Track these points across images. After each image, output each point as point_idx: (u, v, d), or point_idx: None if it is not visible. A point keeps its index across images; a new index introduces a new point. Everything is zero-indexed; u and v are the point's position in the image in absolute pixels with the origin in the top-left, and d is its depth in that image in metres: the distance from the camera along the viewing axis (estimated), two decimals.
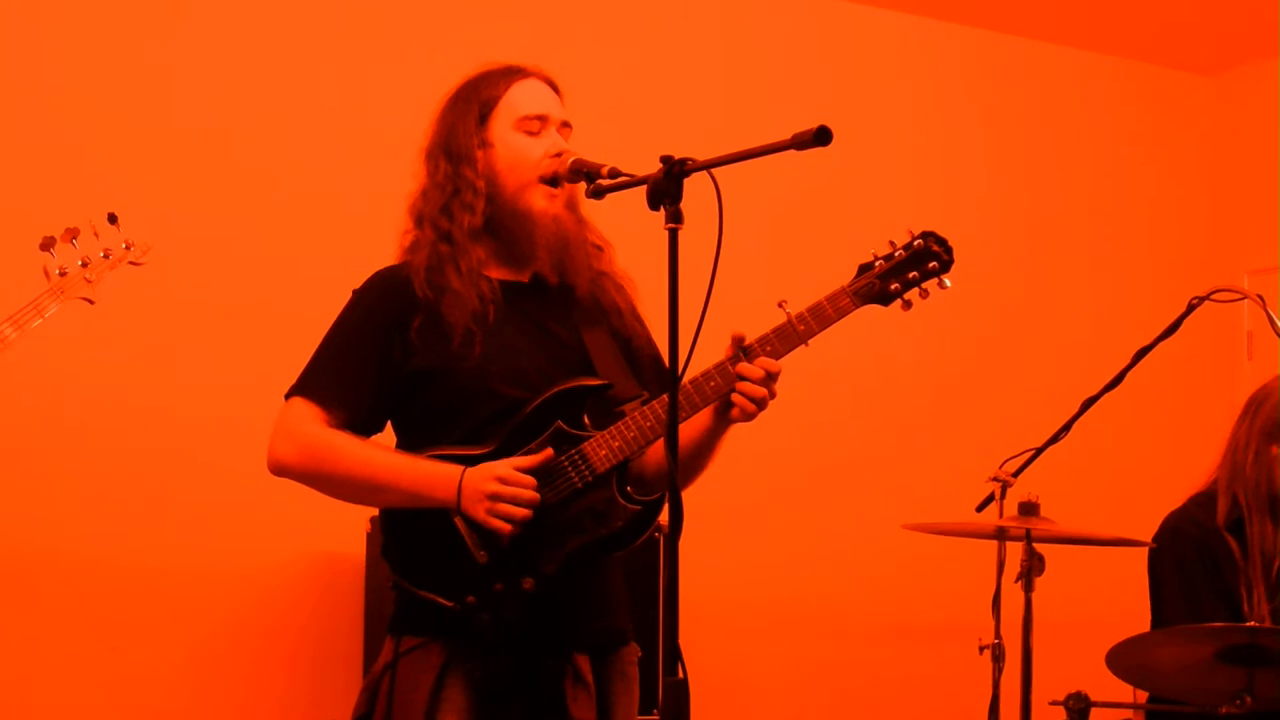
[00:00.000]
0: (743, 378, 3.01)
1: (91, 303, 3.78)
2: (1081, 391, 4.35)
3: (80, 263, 3.76)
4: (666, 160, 2.73)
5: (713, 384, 3.02)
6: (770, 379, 3.01)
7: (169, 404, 4.97)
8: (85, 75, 4.95)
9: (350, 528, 4.78)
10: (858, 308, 3.05)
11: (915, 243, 3.05)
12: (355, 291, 3.27)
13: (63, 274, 3.75)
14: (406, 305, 3.16)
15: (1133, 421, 6.09)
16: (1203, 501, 4.42)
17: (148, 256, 3.89)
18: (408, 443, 3.22)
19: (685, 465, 3.15)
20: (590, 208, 3.22)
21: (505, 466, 3.05)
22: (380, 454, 3.15)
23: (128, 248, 3.85)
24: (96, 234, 3.77)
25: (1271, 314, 4.05)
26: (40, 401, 4.80)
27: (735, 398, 3.01)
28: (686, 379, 3.00)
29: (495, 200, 3.21)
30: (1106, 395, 4.34)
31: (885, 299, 3.04)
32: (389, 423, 3.28)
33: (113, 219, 3.81)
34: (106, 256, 3.82)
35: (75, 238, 3.75)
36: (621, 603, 3.25)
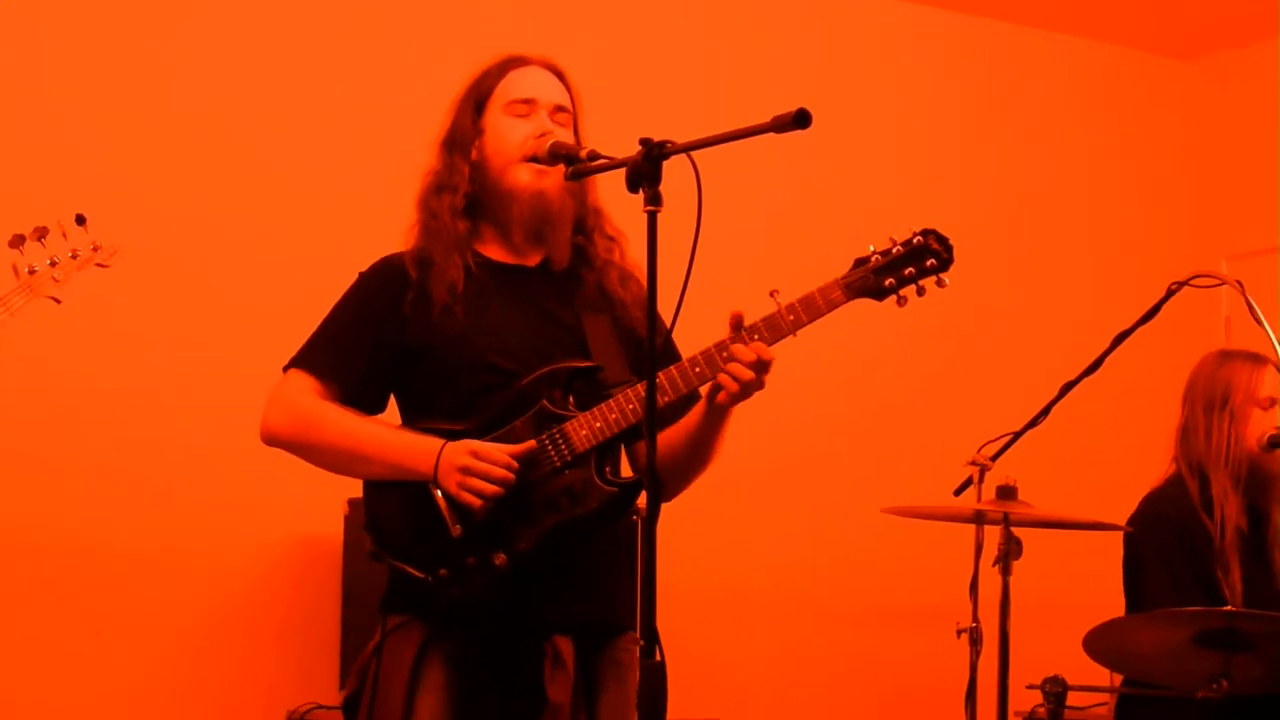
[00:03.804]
0: (733, 358, 2.99)
1: (58, 302, 3.81)
2: (1060, 376, 4.36)
3: (49, 262, 3.78)
4: (646, 143, 2.73)
5: (697, 370, 3.02)
6: (761, 366, 2.99)
7: (145, 388, 4.95)
8: (66, 66, 4.92)
9: (328, 510, 4.77)
10: (849, 301, 3.01)
11: (915, 239, 3.01)
12: (360, 273, 3.32)
13: (32, 272, 3.77)
14: (401, 286, 3.21)
15: (1111, 406, 6.11)
16: (1178, 483, 4.44)
17: (114, 259, 3.92)
18: (405, 418, 3.27)
19: (689, 457, 3.19)
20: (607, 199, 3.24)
21: (481, 442, 3.06)
22: (366, 425, 3.18)
23: (95, 249, 3.87)
24: (65, 234, 3.80)
25: (1250, 299, 4.07)
26: (16, 388, 4.78)
27: (720, 378, 3.00)
28: (697, 350, 3.01)
29: (481, 181, 3.24)
30: (1085, 380, 4.36)
31: (879, 294, 3.01)
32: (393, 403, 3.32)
33: (80, 220, 3.83)
34: (74, 257, 3.86)
35: (44, 237, 3.77)
36: (617, 590, 3.25)
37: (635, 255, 3.32)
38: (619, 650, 3.21)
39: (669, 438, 3.16)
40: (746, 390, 3.00)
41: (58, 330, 4.68)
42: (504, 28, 5.33)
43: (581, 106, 3.34)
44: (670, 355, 3.22)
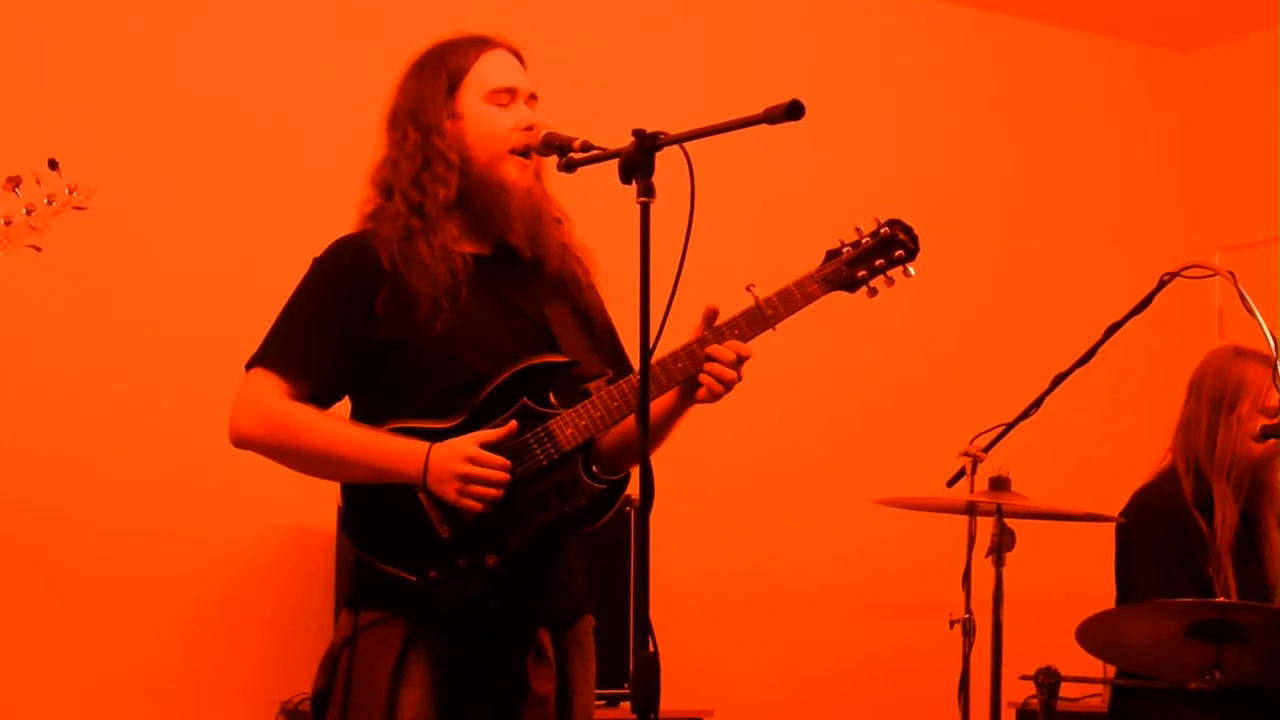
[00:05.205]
0: (711, 358, 3.01)
1: (39, 250, 3.73)
2: (1053, 367, 4.36)
3: (24, 210, 3.72)
4: (639, 134, 2.73)
5: (680, 365, 3.03)
6: (739, 362, 3.02)
7: (136, 375, 4.94)
8: (44, 36, 4.92)
9: (321, 501, 4.71)
10: (825, 294, 3.07)
11: (882, 230, 3.08)
12: (316, 260, 3.24)
13: (8, 222, 3.71)
14: (372, 275, 3.14)
15: (1103, 397, 6.11)
16: (1171, 478, 4.43)
17: (91, 200, 3.84)
18: (366, 414, 3.19)
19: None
20: (561, 180, 3.21)
21: (473, 445, 3.03)
22: (344, 428, 3.14)
23: (71, 192, 3.80)
24: (39, 181, 3.73)
25: (1243, 290, 4.06)
26: (6, 375, 4.78)
27: (703, 378, 3.02)
28: (654, 358, 2.98)
29: (467, 173, 3.19)
30: (1077, 371, 4.35)
31: (852, 286, 3.07)
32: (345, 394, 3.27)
33: (53, 165, 3.75)
34: (50, 203, 3.77)
35: (17, 186, 3.70)
36: (577, 575, 3.25)
37: (580, 236, 3.35)
38: (579, 633, 3.23)
39: (631, 424, 3.13)
40: (728, 387, 3.03)
41: (49, 314, 4.69)
42: (500, 18, 5.31)
43: None
44: (612, 342, 3.27)
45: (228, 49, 5.16)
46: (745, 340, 3.04)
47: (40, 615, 4.79)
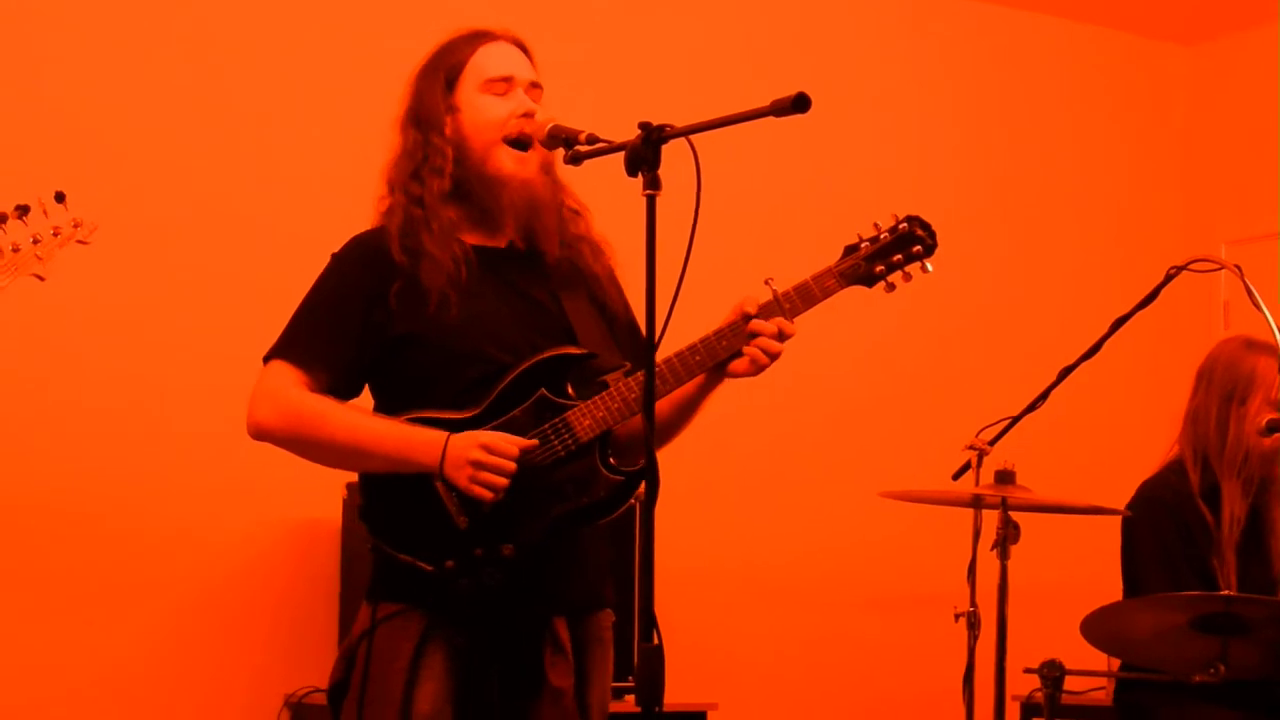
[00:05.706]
0: (756, 334, 3.04)
1: (42, 279, 3.79)
2: (1058, 360, 4.35)
3: (32, 240, 3.77)
4: (645, 126, 2.73)
5: (725, 343, 3.06)
6: (782, 336, 3.06)
7: (142, 371, 4.95)
8: (48, 49, 4.92)
9: (327, 493, 4.77)
10: (843, 288, 3.09)
11: (900, 226, 3.10)
12: (334, 255, 3.26)
13: (16, 250, 3.75)
14: (385, 270, 3.15)
15: (1109, 391, 6.10)
16: (1177, 469, 4.42)
17: (94, 236, 3.90)
18: (387, 407, 3.20)
19: (670, 422, 3.19)
20: (567, 173, 3.22)
21: (491, 434, 3.04)
22: (364, 419, 3.14)
23: (76, 226, 3.85)
24: (46, 212, 3.78)
25: (1249, 284, 4.05)
26: (12, 372, 4.78)
27: (748, 349, 3.05)
28: (697, 338, 3.05)
29: (463, 164, 3.21)
30: (1083, 364, 4.35)
31: (870, 281, 3.10)
32: (365, 387, 3.27)
33: (60, 198, 3.81)
34: (56, 235, 3.83)
35: (25, 215, 3.75)
36: (600, 566, 3.26)
37: (600, 228, 3.35)
38: (599, 628, 3.23)
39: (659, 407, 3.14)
40: (773, 359, 3.06)
41: (56, 312, 4.68)
42: (508, 14, 5.31)
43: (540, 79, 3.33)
44: (633, 335, 3.27)
45: (239, 47, 5.17)
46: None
47: (45, 609, 4.80)
